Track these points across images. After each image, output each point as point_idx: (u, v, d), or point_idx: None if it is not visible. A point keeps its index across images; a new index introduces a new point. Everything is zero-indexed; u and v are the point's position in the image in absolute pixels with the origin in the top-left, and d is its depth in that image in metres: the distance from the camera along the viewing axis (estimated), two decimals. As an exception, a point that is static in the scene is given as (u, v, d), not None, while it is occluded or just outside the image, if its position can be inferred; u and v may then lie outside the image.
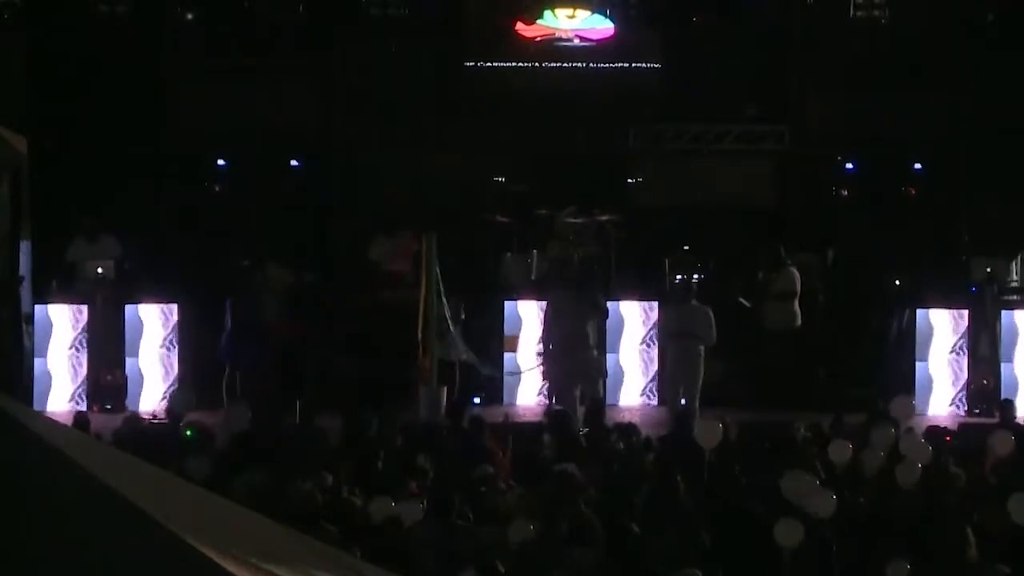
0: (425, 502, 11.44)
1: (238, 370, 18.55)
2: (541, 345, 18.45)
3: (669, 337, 18.49)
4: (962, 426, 16.69)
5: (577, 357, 17.82)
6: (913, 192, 24.57)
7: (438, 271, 17.82)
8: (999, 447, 13.63)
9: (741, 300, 20.19)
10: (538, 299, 19.11)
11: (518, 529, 10.31)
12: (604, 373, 18.22)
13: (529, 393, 19.45)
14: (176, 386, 18.15)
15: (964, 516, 11.15)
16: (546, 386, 18.62)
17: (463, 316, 19.08)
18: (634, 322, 19.50)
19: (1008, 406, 17.03)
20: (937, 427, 15.54)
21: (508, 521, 10.93)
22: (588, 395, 17.64)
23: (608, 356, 19.08)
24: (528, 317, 19.61)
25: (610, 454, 13.63)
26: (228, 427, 13.17)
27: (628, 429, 14.61)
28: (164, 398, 17.94)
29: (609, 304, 18.65)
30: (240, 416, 13.53)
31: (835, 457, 12.89)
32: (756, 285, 20.23)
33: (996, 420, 16.88)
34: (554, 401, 17.99)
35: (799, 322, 19.98)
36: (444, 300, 18.00)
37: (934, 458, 12.89)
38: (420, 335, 17.75)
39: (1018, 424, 15.77)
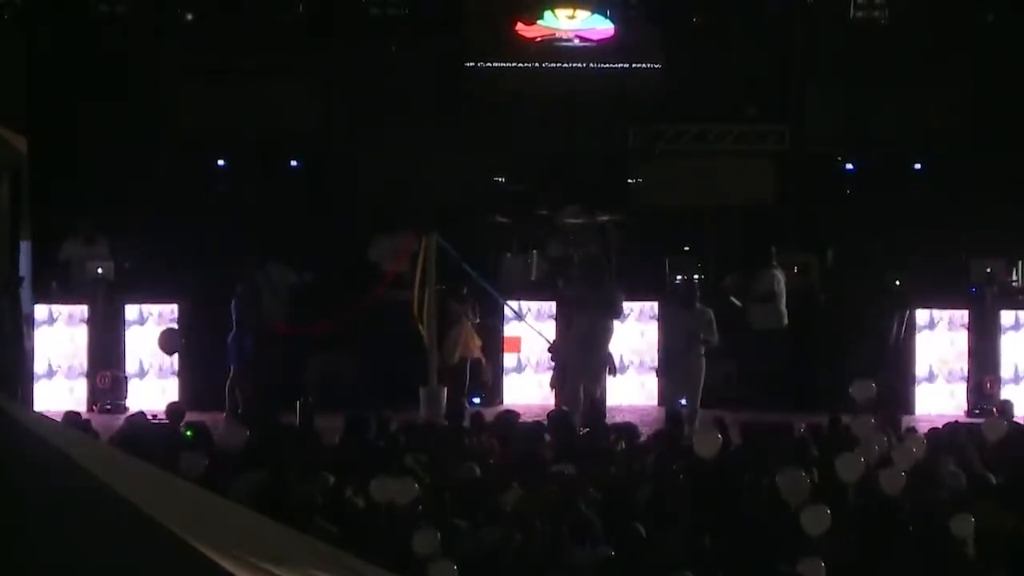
0: (424, 501, 11.43)
1: (242, 371, 18.51)
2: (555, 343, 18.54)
3: (673, 339, 18.40)
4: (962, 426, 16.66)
5: (586, 356, 17.80)
6: (912, 192, 24.55)
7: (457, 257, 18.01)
8: (991, 434, 13.71)
9: (732, 300, 20.17)
10: (552, 298, 19.17)
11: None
12: (611, 372, 18.16)
13: (529, 392, 19.44)
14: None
15: (963, 516, 11.13)
16: (555, 384, 18.60)
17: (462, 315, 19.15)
18: (634, 322, 19.49)
19: (1008, 406, 17.05)
20: (937, 427, 15.52)
21: (508, 521, 10.93)
22: (590, 394, 17.63)
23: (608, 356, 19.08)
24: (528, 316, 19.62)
25: (610, 454, 13.63)
26: (225, 443, 13.17)
27: (628, 429, 14.61)
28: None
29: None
30: (238, 434, 13.52)
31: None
32: (730, 287, 20.24)
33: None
34: (560, 398, 17.98)
35: (785, 322, 19.99)
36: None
37: (933, 458, 12.88)
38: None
39: (1017, 423, 15.75)
